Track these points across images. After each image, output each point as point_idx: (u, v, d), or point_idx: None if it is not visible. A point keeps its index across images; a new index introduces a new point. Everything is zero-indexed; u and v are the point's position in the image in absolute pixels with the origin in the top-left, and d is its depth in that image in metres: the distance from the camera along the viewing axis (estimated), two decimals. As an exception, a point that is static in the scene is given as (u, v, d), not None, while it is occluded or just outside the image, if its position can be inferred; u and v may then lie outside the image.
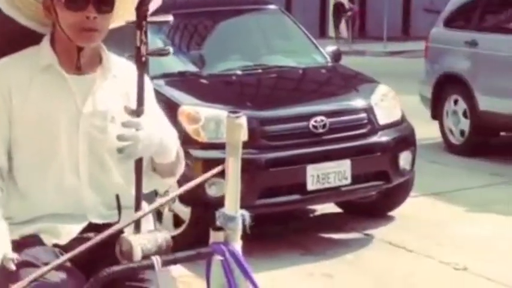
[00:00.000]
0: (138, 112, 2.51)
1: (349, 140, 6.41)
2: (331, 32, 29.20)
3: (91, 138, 2.66)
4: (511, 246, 6.31)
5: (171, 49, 2.81)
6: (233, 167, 2.37)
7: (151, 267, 2.24)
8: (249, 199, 5.80)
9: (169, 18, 3.16)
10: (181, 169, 2.82)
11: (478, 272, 5.76)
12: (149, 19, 2.53)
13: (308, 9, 30.76)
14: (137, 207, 2.57)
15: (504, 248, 6.26)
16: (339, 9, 28.45)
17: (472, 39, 9.68)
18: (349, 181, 6.29)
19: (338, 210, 7.24)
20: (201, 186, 5.82)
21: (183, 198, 5.94)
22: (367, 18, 32.34)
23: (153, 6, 2.74)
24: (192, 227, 6.02)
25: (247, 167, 5.85)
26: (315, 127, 6.28)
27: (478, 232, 6.68)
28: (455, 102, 9.82)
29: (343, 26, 28.45)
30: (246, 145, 6.44)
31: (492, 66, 9.37)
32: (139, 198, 2.57)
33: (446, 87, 9.94)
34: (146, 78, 2.67)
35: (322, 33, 29.41)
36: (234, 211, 2.37)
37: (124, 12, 2.68)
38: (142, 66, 2.53)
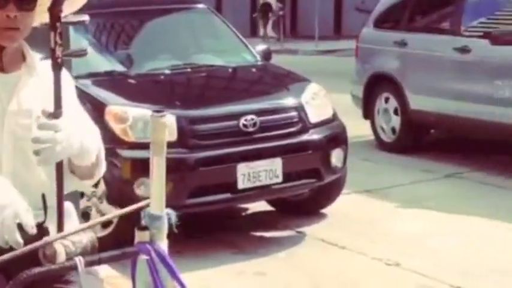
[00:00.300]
0: (55, 114, 2.45)
1: (280, 139, 6.41)
2: (262, 31, 29.37)
3: (16, 137, 2.60)
4: (442, 242, 6.39)
5: (87, 50, 2.75)
6: (158, 167, 2.34)
7: (74, 268, 2.19)
8: (180, 198, 5.80)
9: (85, 18, 3.10)
10: (101, 171, 2.75)
11: (410, 267, 5.82)
12: (63, 20, 2.46)
13: (238, 8, 30.82)
14: (59, 208, 2.51)
15: (435, 244, 6.33)
16: (266, 9, 28.67)
17: (401, 39, 9.79)
18: (280, 179, 6.29)
19: (270, 208, 7.24)
20: (129, 186, 5.79)
21: (111, 199, 5.87)
22: (298, 17, 32.53)
23: (76, 6, 2.68)
24: (121, 227, 5.95)
25: (178, 166, 5.88)
26: (245, 126, 6.27)
27: (410, 228, 6.75)
28: (386, 100, 9.92)
29: (269, 26, 28.70)
30: (175, 144, 6.37)
31: (421, 65, 9.50)
32: (60, 199, 2.51)
33: (377, 86, 10.04)
34: (68, 78, 2.61)
35: (254, 33, 29.48)
36: (160, 210, 2.34)
37: (45, 10, 2.61)
38: (58, 68, 2.47)
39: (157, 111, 2.31)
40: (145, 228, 2.31)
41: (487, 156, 9.16)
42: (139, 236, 2.30)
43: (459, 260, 5.94)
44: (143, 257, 2.28)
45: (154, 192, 2.36)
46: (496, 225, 6.73)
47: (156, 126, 2.32)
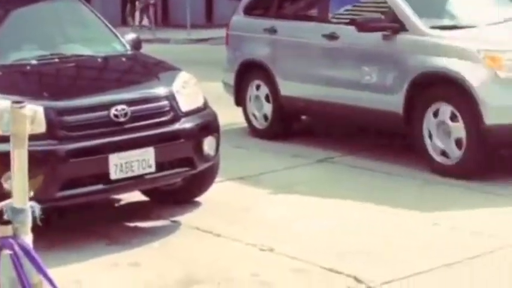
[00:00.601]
0: None
1: (152, 128, 6.38)
2: (131, 21, 29.29)
3: None
4: (314, 225, 6.49)
5: None
6: (19, 159, 2.30)
7: None
8: (50, 191, 5.71)
9: None
10: None
11: (284, 252, 5.88)
12: None
13: (109, -3, 30.50)
14: None
15: (307, 228, 6.42)
16: None
17: (271, 26, 9.88)
18: (153, 169, 6.27)
19: (144, 198, 7.20)
20: (-4, 180, 5.64)
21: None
22: (170, 6, 32.41)
23: None
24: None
25: (47, 158, 5.77)
26: (116, 116, 6.21)
27: (283, 213, 6.84)
28: (258, 87, 10.00)
29: (137, 14, 28.65)
30: (44, 136, 6.21)
31: (290, 52, 9.62)
32: None
33: (248, 73, 10.12)
34: None
35: (124, 22, 29.23)
36: (23, 204, 2.30)
37: None
38: None
39: (17, 102, 2.27)
40: (8, 222, 2.27)
41: (356, 141, 9.39)
42: (2, 230, 2.27)
43: (331, 243, 6.06)
44: (6, 252, 2.25)
45: (16, 186, 2.32)
46: (366, 206, 6.90)
47: (16, 118, 2.28)
